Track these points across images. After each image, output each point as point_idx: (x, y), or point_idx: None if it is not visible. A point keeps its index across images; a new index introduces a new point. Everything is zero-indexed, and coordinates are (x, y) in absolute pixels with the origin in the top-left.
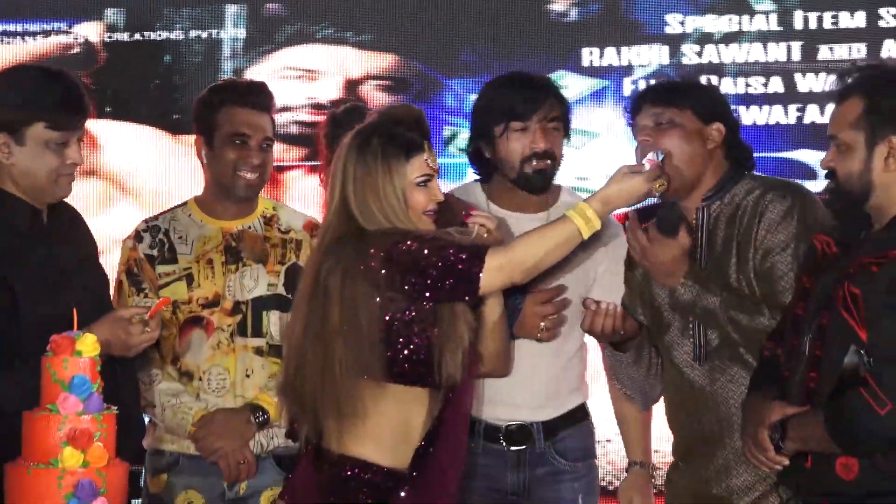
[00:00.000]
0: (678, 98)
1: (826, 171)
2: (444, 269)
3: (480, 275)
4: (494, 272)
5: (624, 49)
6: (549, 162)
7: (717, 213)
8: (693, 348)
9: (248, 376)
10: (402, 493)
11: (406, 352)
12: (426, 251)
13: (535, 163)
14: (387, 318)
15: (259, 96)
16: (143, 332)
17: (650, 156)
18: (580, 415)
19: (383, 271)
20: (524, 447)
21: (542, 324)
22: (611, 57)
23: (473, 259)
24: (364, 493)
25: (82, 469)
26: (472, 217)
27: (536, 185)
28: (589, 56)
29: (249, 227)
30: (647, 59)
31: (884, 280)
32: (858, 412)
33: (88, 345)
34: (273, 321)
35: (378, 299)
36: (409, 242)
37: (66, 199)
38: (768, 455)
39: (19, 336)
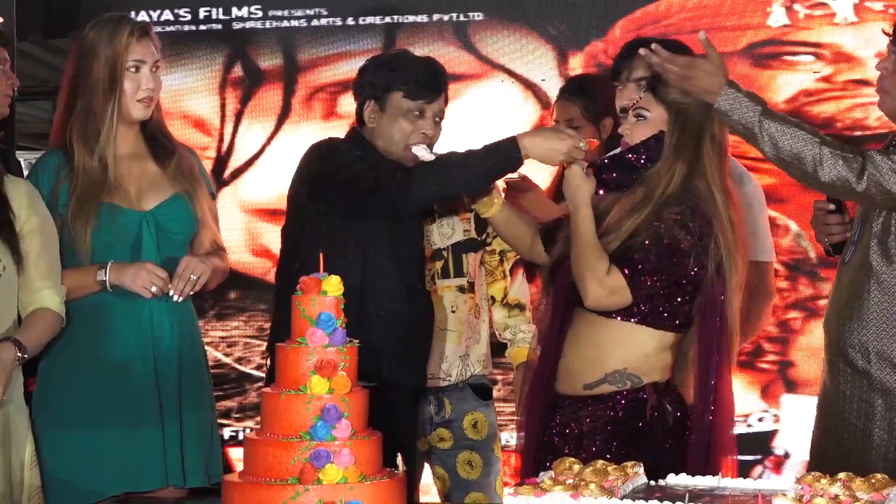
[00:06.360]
0: None
1: None
2: None
3: None
4: None
5: None
6: None
7: None
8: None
9: (453, 312)
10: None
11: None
12: None
13: None
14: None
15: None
16: (579, 146)
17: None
18: None
19: None
20: None
21: None
22: None
23: None
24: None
25: (328, 395)
26: None
27: None
28: None
29: None
30: None
31: None
32: None
33: (333, 285)
34: (471, 261)
35: None
36: None
37: None
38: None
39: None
